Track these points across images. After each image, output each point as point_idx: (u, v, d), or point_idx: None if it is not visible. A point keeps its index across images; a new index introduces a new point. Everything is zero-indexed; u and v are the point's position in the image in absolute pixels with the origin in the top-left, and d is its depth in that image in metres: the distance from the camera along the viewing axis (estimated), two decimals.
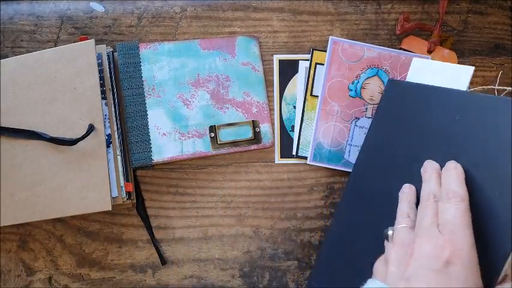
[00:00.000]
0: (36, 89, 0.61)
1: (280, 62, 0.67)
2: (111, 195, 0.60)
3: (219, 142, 0.64)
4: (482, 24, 0.68)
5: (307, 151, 0.66)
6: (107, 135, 0.61)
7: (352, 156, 0.65)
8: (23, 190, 0.60)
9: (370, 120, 0.64)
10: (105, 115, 0.62)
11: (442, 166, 0.48)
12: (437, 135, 0.50)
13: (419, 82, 0.55)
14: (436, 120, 0.51)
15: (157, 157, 0.63)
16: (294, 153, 0.66)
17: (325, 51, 0.66)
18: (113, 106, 0.63)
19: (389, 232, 0.47)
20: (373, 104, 0.66)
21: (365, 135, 0.59)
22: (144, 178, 0.66)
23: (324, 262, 0.57)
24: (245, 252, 0.66)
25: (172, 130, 0.64)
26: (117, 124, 0.63)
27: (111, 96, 0.63)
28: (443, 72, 0.54)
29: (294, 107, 0.67)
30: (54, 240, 0.65)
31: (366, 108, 0.66)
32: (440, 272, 0.42)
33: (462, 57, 0.67)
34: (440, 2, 0.64)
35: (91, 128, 0.60)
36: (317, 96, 0.66)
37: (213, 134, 0.64)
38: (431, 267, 0.42)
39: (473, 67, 0.54)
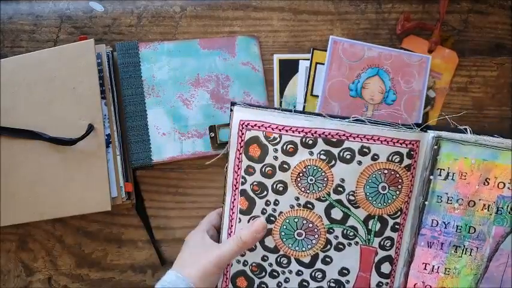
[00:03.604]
0: (36, 89, 0.61)
1: (281, 61, 0.67)
2: (110, 195, 0.60)
3: (219, 142, 0.64)
4: (483, 24, 0.68)
5: None
6: (106, 135, 0.61)
7: None
8: (23, 190, 0.60)
9: None
10: (105, 115, 0.62)
11: None
12: None
13: None
14: None
15: (157, 157, 0.63)
16: None
17: (326, 50, 0.66)
18: (112, 106, 0.63)
19: None
20: (374, 104, 0.65)
21: None
22: (143, 178, 0.66)
23: None
24: None
25: (172, 130, 0.64)
26: (116, 124, 0.63)
27: (110, 96, 0.63)
28: None
29: (294, 107, 0.66)
30: (54, 240, 0.65)
31: (367, 108, 0.65)
32: None
33: (463, 57, 0.67)
34: (441, 2, 0.64)
35: (90, 128, 0.60)
36: (317, 96, 0.66)
37: (213, 134, 0.64)
38: None
39: None
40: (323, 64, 0.66)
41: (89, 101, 0.60)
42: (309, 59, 0.66)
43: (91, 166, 0.60)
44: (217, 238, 0.58)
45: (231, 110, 0.55)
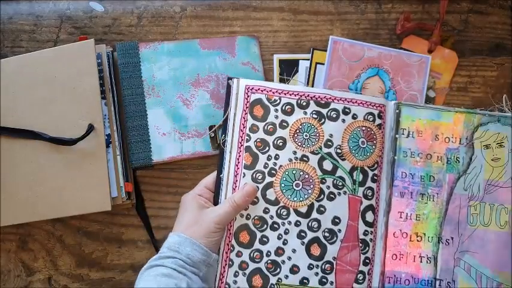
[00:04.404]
0: (36, 89, 0.61)
1: (281, 61, 0.67)
2: (110, 195, 0.60)
3: (219, 142, 0.64)
4: (483, 24, 0.68)
5: None
6: (106, 135, 0.61)
7: None
8: (23, 190, 0.60)
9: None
10: (105, 115, 0.62)
11: None
12: None
13: None
14: None
15: (157, 157, 0.63)
16: None
17: (326, 50, 0.66)
18: (112, 106, 0.63)
19: None
20: None
21: None
22: (144, 178, 0.66)
23: None
24: None
25: (172, 130, 0.64)
26: (116, 124, 0.63)
27: (110, 96, 0.63)
28: None
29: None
30: (54, 240, 0.65)
31: None
32: None
33: (463, 57, 0.67)
34: (441, 2, 0.64)
35: (91, 128, 0.60)
36: None
37: (213, 134, 0.64)
38: None
39: None
40: (323, 64, 0.66)
41: (89, 101, 0.60)
42: (309, 59, 0.66)
43: (91, 166, 0.60)
44: (212, 200, 0.61)
45: (228, 83, 0.63)
